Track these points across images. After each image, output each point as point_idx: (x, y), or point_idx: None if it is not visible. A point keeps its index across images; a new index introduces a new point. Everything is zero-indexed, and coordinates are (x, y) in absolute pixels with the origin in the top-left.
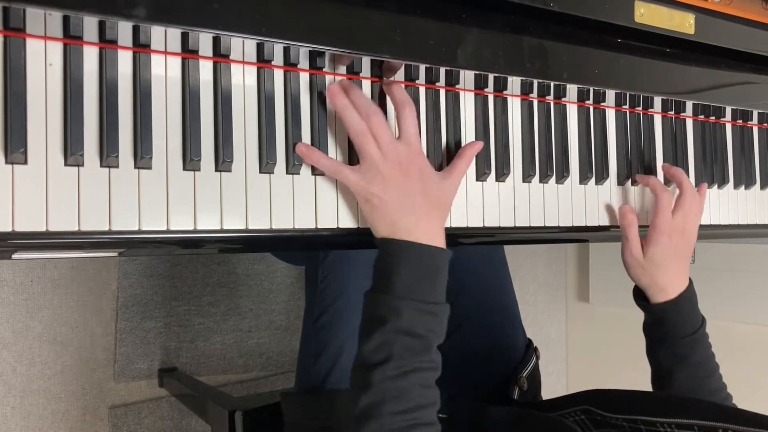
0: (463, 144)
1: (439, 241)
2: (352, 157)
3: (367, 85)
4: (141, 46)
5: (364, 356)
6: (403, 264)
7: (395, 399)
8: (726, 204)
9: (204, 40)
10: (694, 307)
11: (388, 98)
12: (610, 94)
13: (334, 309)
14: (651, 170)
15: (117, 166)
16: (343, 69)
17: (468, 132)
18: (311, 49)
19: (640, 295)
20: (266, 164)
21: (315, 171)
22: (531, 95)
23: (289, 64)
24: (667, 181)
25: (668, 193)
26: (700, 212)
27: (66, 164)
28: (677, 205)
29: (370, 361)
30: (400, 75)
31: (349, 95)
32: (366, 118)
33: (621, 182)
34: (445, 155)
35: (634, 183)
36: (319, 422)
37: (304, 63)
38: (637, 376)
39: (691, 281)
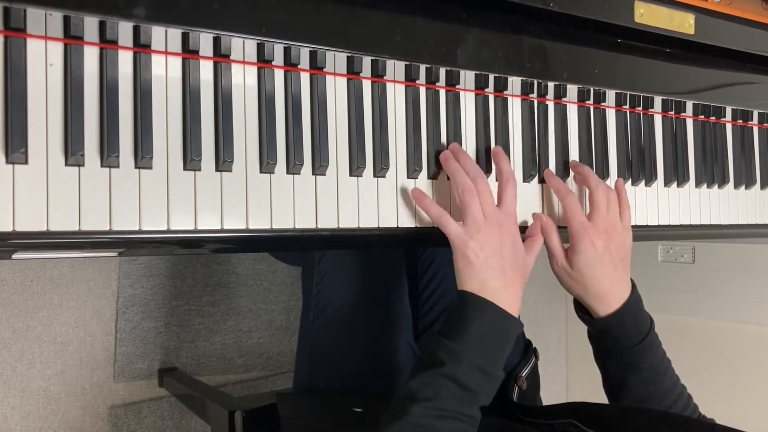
0: (463, 145)
1: (516, 311)
2: (352, 157)
3: (367, 84)
4: (141, 46)
5: (411, 388)
6: (479, 320)
7: None
8: (726, 204)
9: (204, 40)
10: (640, 315)
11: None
12: (611, 94)
13: (330, 310)
14: (651, 170)
15: (117, 166)
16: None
17: (468, 132)
18: (311, 49)
19: (581, 309)
20: (267, 164)
21: (315, 171)
22: (531, 95)
23: (290, 64)
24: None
25: (570, 196)
26: (626, 208)
27: (67, 164)
28: (591, 206)
29: (415, 394)
30: (400, 75)
31: (459, 158)
32: (473, 179)
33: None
34: None
35: (634, 183)
36: (314, 422)
37: (304, 63)
38: None
39: (634, 285)
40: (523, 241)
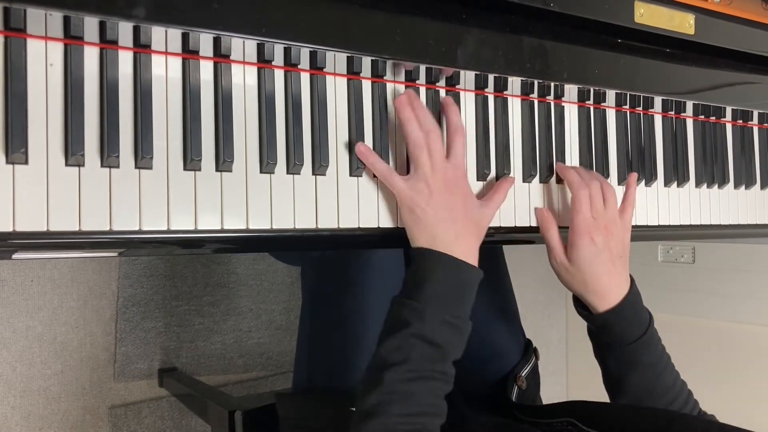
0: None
1: (474, 261)
2: (352, 157)
3: (367, 85)
4: (141, 47)
5: (381, 355)
6: (436, 274)
7: (403, 401)
8: (726, 204)
9: (204, 40)
10: (639, 310)
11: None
12: (611, 94)
13: (330, 310)
14: (651, 170)
15: (118, 166)
16: (343, 68)
17: (468, 132)
18: (311, 49)
19: (580, 304)
20: (267, 164)
21: (315, 171)
22: (531, 95)
23: (290, 65)
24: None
25: (585, 190)
26: (629, 205)
27: (67, 164)
28: (591, 203)
29: (386, 360)
30: (399, 75)
31: (413, 107)
32: (425, 132)
33: (621, 182)
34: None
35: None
36: (313, 422)
37: (304, 63)
38: None
39: (632, 281)
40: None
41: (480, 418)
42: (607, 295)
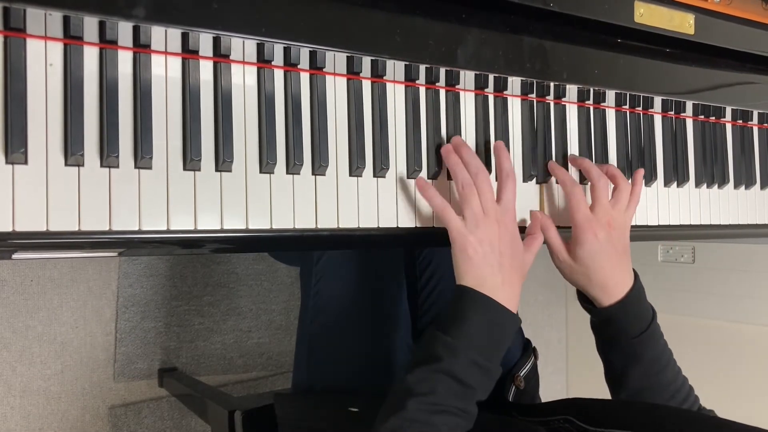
0: None
1: (514, 308)
2: (352, 157)
3: (367, 85)
4: (141, 47)
5: (408, 383)
6: (477, 316)
7: (422, 430)
8: (726, 204)
9: (204, 40)
10: (642, 304)
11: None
12: (610, 95)
13: (329, 310)
14: (651, 170)
15: (117, 166)
16: (343, 68)
17: (468, 132)
18: (311, 49)
19: (584, 299)
20: (266, 164)
21: (315, 171)
22: (531, 95)
23: (290, 64)
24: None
25: (577, 186)
26: (633, 201)
27: (66, 164)
28: (593, 198)
29: (412, 389)
30: (400, 75)
31: (460, 152)
32: (474, 175)
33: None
34: None
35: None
36: (311, 422)
37: (304, 63)
38: None
39: (636, 275)
40: (523, 239)
41: (478, 416)
42: (612, 289)
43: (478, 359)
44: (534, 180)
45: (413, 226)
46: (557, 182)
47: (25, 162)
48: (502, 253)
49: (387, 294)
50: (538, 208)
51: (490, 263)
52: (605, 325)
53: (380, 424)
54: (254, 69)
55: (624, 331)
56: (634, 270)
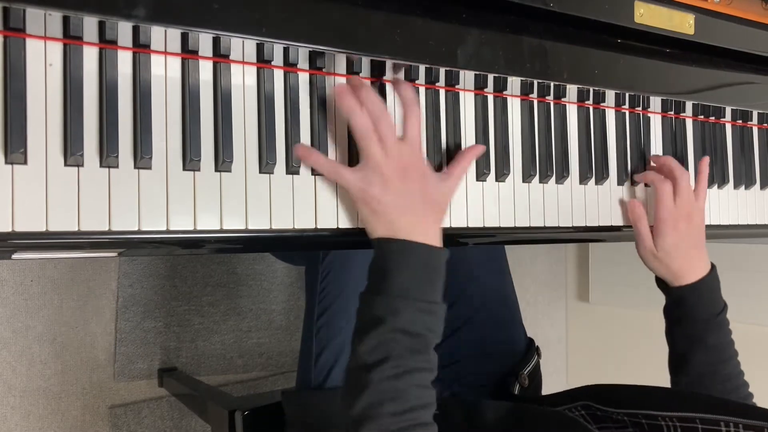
0: (463, 145)
1: (437, 242)
2: (353, 159)
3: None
4: (141, 47)
5: (361, 357)
6: (401, 263)
7: (393, 400)
8: (726, 204)
9: (204, 40)
10: (715, 293)
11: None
12: (610, 94)
13: (334, 308)
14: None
15: (117, 167)
16: (343, 68)
17: (468, 132)
18: (311, 49)
19: (661, 280)
20: (266, 164)
21: (315, 171)
22: (531, 95)
23: (289, 65)
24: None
25: (667, 183)
26: (703, 192)
27: (66, 164)
28: (676, 193)
29: (367, 361)
30: (399, 75)
31: (360, 93)
32: (374, 117)
33: (621, 182)
34: (444, 155)
35: (633, 183)
36: (321, 420)
37: (303, 63)
38: (637, 375)
39: (714, 267)
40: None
41: (491, 402)
42: (687, 275)
43: (419, 305)
44: (535, 179)
45: None
46: (556, 182)
47: (25, 162)
48: (410, 193)
49: None
50: (541, 208)
51: (398, 207)
52: (676, 305)
53: (349, 409)
54: (254, 69)
55: (692, 312)
56: (712, 263)
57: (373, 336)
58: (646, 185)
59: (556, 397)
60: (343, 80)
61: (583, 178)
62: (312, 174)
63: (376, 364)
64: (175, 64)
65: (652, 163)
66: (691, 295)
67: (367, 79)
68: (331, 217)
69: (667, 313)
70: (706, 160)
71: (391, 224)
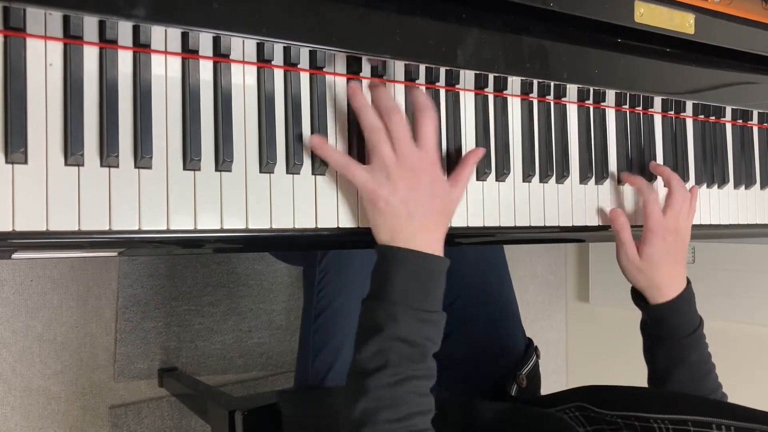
0: (463, 144)
1: (438, 250)
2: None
3: (366, 85)
4: (141, 46)
5: (360, 363)
6: (400, 271)
7: (390, 407)
8: (726, 204)
9: (204, 40)
10: (692, 308)
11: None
12: (610, 94)
13: (332, 308)
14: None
15: (117, 166)
16: (343, 68)
17: (468, 132)
18: (311, 49)
19: (638, 296)
20: (266, 164)
21: (315, 171)
22: (531, 95)
23: (290, 64)
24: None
25: (655, 193)
26: (692, 211)
27: (66, 164)
28: (667, 205)
29: (366, 368)
30: (400, 75)
31: (373, 92)
32: (386, 116)
33: (621, 182)
34: (444, 155)
35: (621, 183)
36: (318, 420)
37: (304, 63)
38: (637, 376)
39: (689, 281)
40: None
41: (487, 404)
42: (666, 290)
43: (417, 314)
44: (535, 179)
45: None
46: (556, 182)
47: (25, 162)
48: (417, 199)
49: None
50: (541, 208)
51: (403, 213)
52: (655, 324)
53: (347, 411)
54: (254, 69)
55: (672, 331)
56: (687, 278)
57: (372, 343)
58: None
59: (552, 398)
60: (343, 80)
61: (584, 178)
62: (312, 174)
63: (375, 370)
64: (175, 63)
65: (651, 171)
66: (671, 313)
67: (368, 79)
68: (332, 216)
69: (646, 331)
70: (696, 189)
71: (393, 229)
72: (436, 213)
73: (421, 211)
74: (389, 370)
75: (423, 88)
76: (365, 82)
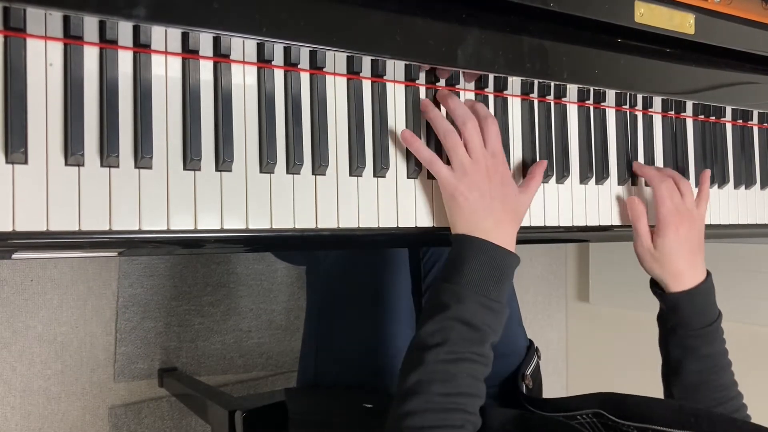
0: None
1: (511, 246)
2: (352, 157)
3: (367, 85)
4: (141, 46)
5: (422, 337)
6: (475, 259)
7: (444, 381)
8: (726, 204)
9: (204, 40)
10: (710, 301)
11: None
12: (610, 94)
13: (337, 307)
14: None
15: (117, 166)
16: (343, 68)
17: None
18: (311, 49)
19: (656, 284)
20: (267, 164)
21: (315, 171)
22: (531, 95)
23: (290, 64)
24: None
25: (667, 181)
26: (704, 198)
27: (66, 164)
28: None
29: (427, 342)
30: (400, 75)
31: (447, 102)
32: (462, 123)
33: (621, 182)
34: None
35: (634, 183)
36: (325, 417)
37: (304, 63)
38: (637, 376)
39: (709, 274)
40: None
41: (496, 410)
42: (683, 279)
43: (483, 300)
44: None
45: (413, 226)
46: (556, 182)
47: (25, 162)
48: (492, 196)
49: (393, 291)
50: (539, 206)
51: (481, 208)
52: (671, 312)
53: (402, 381)
54: (254, 69)
55: (687, 321)
56: (708, 270)
57: (435, 320)
58: (646, 185)
59: (567, 402)
60: (343, 80)
61: (584, 178)
62: (312, 174)
63: (434, 345)
64: (175, 63)
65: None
66: (686, 303)
67: (368, 79)
68: (332, 216)
69: (662, 320)
70: (708, 173)
71: (471, 223)
72: (510, 211)
73: (497, 208)
74: (447, 347)
75: (423, 88)
76: (430, 91)
